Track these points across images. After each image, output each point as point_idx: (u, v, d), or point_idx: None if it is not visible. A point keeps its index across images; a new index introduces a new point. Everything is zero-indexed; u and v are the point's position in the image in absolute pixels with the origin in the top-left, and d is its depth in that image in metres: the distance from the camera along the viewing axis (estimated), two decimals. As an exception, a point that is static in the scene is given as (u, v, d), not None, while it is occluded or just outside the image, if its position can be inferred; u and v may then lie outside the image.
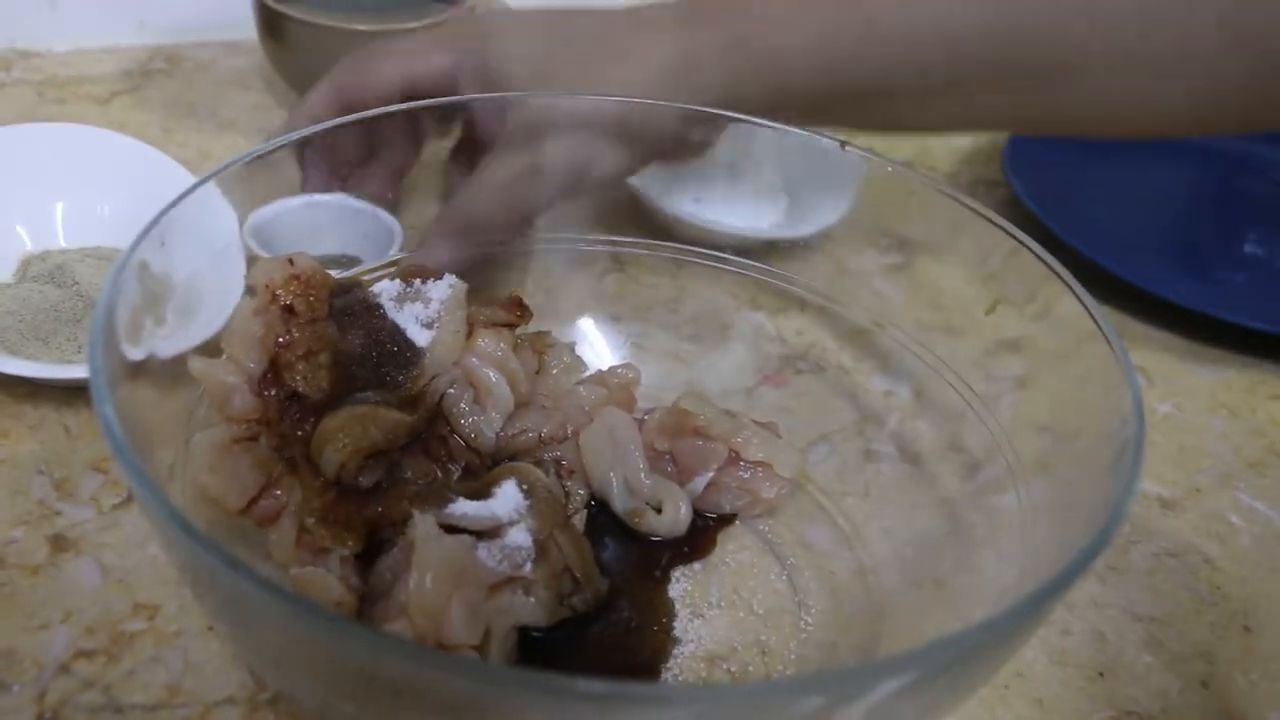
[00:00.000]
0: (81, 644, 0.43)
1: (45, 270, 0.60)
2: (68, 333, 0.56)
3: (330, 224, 0.57)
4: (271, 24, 0.77)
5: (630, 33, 0.59)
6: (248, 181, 0.46)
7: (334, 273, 0.45)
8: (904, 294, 0.55)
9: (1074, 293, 0.44)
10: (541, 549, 0.40)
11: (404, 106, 0.55)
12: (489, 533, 0.40)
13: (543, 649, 0.42)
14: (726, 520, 0.50)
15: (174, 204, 0.42)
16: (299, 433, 0.40)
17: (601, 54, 0.58)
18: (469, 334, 0.45)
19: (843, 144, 0.53)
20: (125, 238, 0.40)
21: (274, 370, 0.41)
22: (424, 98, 0.55)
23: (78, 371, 0.52)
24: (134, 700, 0.42)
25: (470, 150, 0.60)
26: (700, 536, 0.48)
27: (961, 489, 0.50)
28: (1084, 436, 0.44)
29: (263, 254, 0.47)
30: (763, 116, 0.53)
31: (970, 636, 0.31)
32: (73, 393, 0.54)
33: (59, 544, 0.47)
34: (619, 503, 0.47)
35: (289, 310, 0.42)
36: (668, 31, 0.58)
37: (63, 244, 0.62)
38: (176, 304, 0.43)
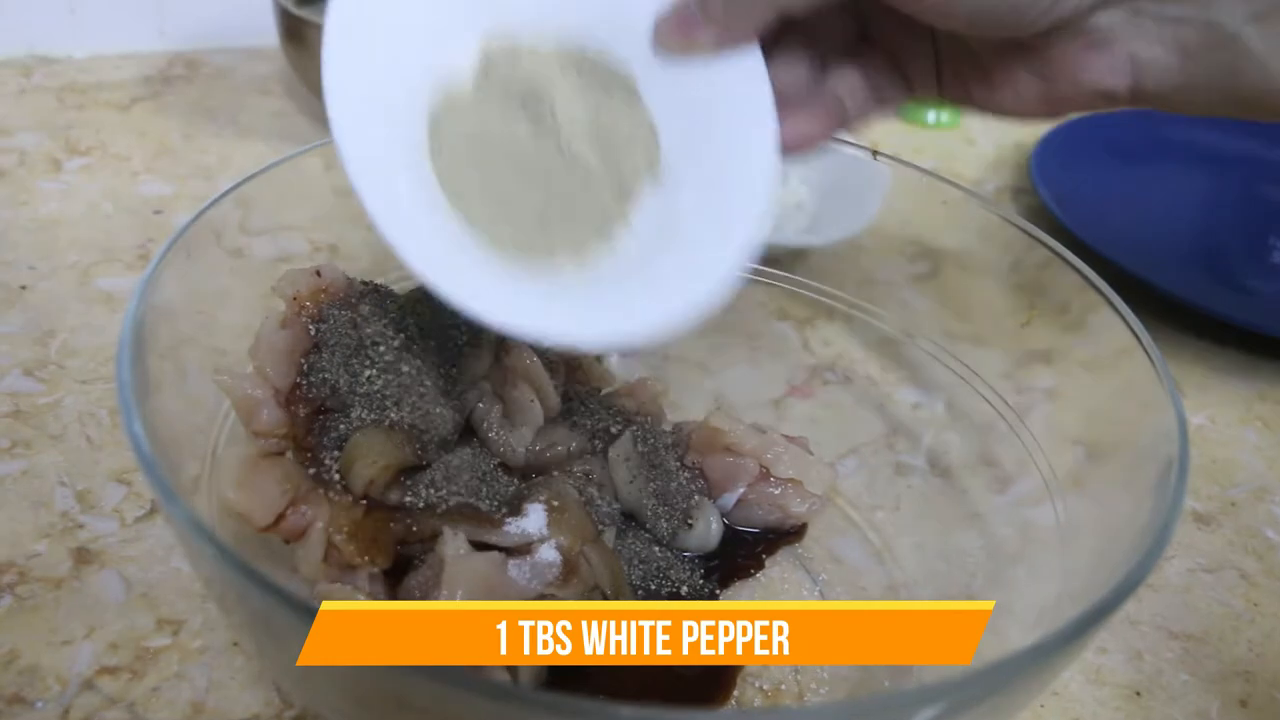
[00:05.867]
0: (105, 660, 0.43)
1: (511, 81, 0.39)
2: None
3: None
4: (293, 30, 0.76)
5: None
6: (270, 190, 0.46)
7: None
8: (932, 303, 0.55)
9: (1111, 304, 0.44)
10: (571, 565, 0.40)
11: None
12: (519, 549, 0.39)
13: (572, 669, 0.41)
14: (773, 542, 0.49)
15: (198, 216, 0.41)
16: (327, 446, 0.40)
17: None
18: (498, 348, 0.45)
19: (874, 153, 0.52)
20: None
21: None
22: None
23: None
24: (159, 717, 0.41)
25: None
26: (739, 552, 0.47)
27: (994, 503, 0.49)
28: (1122, 452, 0.43)
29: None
30: None
31: (1010, 664, 0.30)
32: (95, 400, 0.54)
33: (82, 557, 0.47)
34: (649, 518, 0.46)
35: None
36: None
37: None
38: (205, 315, 0.42)
